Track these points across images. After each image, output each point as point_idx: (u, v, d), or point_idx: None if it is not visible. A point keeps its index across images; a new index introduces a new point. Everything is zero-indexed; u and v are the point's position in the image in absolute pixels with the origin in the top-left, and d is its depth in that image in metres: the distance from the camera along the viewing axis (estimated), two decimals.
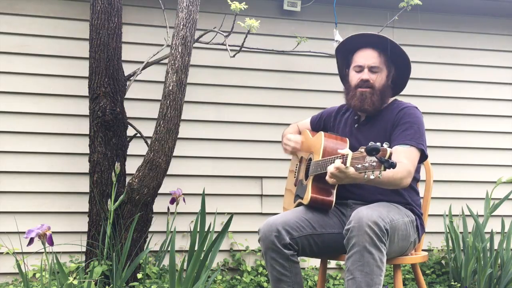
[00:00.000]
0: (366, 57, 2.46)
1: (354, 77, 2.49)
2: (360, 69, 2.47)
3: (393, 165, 1.90)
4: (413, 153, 2.32)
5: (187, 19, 3.04)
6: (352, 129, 2.54)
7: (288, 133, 2.78)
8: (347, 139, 2.45)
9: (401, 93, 3.95)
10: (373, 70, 2.45)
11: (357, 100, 2.46)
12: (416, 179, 2.49)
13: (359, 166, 1.96)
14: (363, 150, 1.98)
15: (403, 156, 2.27)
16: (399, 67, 2.53)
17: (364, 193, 2.43)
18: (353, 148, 2.39)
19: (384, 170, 1.92)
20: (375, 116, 2.50)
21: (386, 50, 2.46)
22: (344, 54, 2.58)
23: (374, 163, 1.92)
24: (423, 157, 2.39)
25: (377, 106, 2.46)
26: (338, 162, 2.07)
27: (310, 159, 2.52)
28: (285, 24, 3.95)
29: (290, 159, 2.90)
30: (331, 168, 2.09)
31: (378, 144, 1.90)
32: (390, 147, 2.32)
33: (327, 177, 2.14)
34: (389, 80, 2.50)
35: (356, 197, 2.46)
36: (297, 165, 2.72)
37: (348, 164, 2.00)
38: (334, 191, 2.39)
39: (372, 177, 1.93)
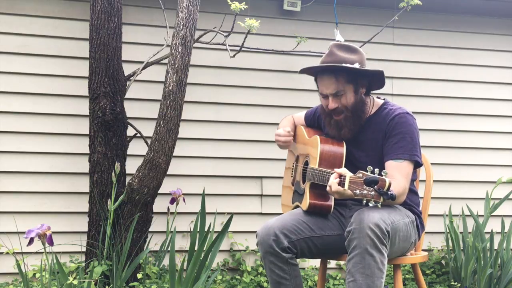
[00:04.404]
0: (326, 85, 2.36)
1: (323, 102, 2.43)
2: (325, 96, 2.40)
3: (392, 197, 1.92)
4: (407, 167, 2.30)
5: (187, 19, 3.04)
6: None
7: (282, 126, 2.74)
8: (344, 143, 2.41)
9: (402, 93, 4.02)
10: (338, 95, 2.36)
11: (333, 129, 2.42)
12: (412, 179, 2.47)
13: (357, 192, 1.98)
14: (361, 176, 1.99)
15: (397, 172, 2.25)
16: (367, 74, 2.41)
17: None
18: (346, 158, 2.38)
19: (384, 201, 1.94)
20: (365, 123, 2.44)
21: (342, 70, 2.33)
22: (311, 75, 2.51)
23: (373, 193, 1.95)
24: (417, 166, 2.37)
25: (355, 128, 2.39)
26: (335, 184, 2.08)
27: (307, 162, 2.51)
28: (285, 24, 3.95)
29: None
30: (327, 188, 2.12)
31: (377, 170, 1.94)
32: (383, 161, 2.32)
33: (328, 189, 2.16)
34: (359, 92, 2.38)
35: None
36: (293, 164, 2.71)
37: (346, 187, 2.03)
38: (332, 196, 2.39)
39: (370, 205, 1.96)
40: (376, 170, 1.95)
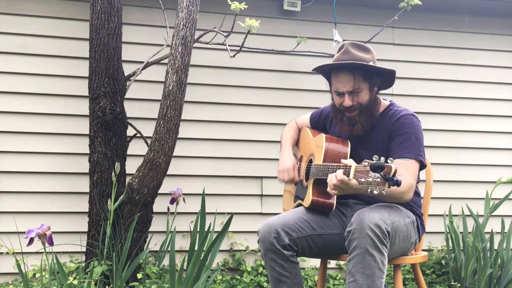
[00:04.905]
0: (342, 82, 2.37)
1: (337, 100, 2.43)
2: (340, 94, 2.40)
3: (397, 183, 1.91)
4: (412, 165, 2.31)
5: (187, 19, 3.04)
6: (348, 136, 2.49)
7: (287, 137, 2.72)
8: (349, 142, 2.42)
9: (402, 93, 4.02)
10: (354, 92, 2.36)
11: (346, 126, 2.42)
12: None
13: (363, 180, 1.97)
14: (367, 164, 1.98)
15: (404, 170, 2.25)
16: (381, 73, 2.43)
17: None
18: (351, 157, 2.39)
19: (389, 187, 1.93)
20: None
21: (360, 68, 2.35)
22: (322, 74, 2.52)
23: (378, 179, 1.93)
24: (421, 167, 2.38)
25: (367, 125, 2.40)
26: (340, 174, 2.06)
27: (311, 161, 2.51)
28: (285, 24, 3.95)
29: None
30: (333, 180, 2.08)
31: (383, 159, 1.92)
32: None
33: (328, 189, 2.14)
34: (373, 90, 2.41)
35: (357, 197, 2.45)
36: (297, 163, 2.71)
37: (351, 176, 2.01)
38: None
39: (375, 192, 1.94)
40: (382, 158, 1.93)
